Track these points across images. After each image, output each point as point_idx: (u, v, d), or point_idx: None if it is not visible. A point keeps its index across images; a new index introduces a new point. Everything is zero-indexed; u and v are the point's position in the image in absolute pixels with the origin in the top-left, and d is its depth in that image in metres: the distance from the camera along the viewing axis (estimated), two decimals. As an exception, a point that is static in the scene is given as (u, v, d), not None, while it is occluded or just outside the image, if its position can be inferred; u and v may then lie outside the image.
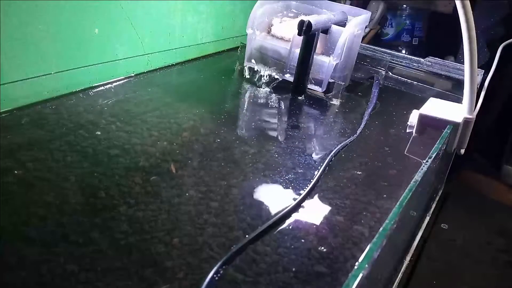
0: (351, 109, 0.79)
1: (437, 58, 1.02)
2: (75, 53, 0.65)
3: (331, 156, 0.57)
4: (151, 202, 0.43)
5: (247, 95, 0.78)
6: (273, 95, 0.78)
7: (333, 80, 0.80)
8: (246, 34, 0.82)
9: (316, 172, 0.53)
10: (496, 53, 0.99)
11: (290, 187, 0.50)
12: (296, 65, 0.77)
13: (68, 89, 0.65)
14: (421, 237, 1.00)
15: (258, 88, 0.80)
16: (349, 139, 0.64)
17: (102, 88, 0.69)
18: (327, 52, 0.78)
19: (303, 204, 0.47)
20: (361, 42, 0.87)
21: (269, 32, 0.83)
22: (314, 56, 0.76)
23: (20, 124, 0.55)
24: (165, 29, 0.81)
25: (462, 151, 0.83)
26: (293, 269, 0.38)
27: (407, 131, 0.70)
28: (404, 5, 1.26)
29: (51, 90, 0.63)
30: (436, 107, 0.72)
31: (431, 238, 1.14)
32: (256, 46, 0.81)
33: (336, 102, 0.80)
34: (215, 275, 0.36)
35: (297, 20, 0.71)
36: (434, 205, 1.08)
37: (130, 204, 0.43)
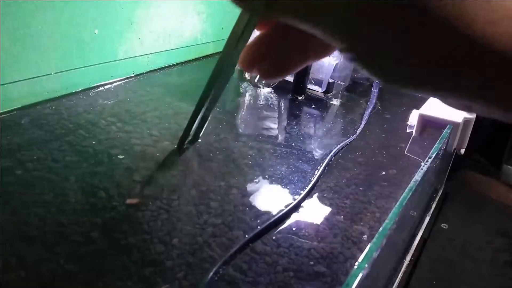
0: (351, 109, 0.79)
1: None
2: (75, 53, 0.65)
3: (331, 156, 0.57)
4: (151, 202, 0.43)
5: (247, 95, 0.78)
6: (273, 95, 0.78)
7: (333, 80, 0.80)
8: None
9: (316, 172, 0.53)
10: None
11: (290, 187, 0.50)
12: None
13: (68, 90, 0.65)
14: (421, 237, 1.00)
15: (258, 88, 0.80)
16: (349, 139, 0.64)
17: (102, 88, 0.70)
18: (327, 52, 0.78)
19: (303, 204, 0.47)
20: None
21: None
22: (314, 56, 0.76)
23: (20, 124, 0.55)
24: (165, 29, 0.81)
25: (462, 151, 0.83)
26: (293, 269, 0.38)
27: (407, 131, 0.70)
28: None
29: (51, 90, 0.63)
30: (436, 107, 0.72)
31: (431, 238, 1.14)
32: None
33: (336, 102, 0.80)
34: (214, 275, 0.36)
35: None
36: (434, 205, 1.08)
37: (130, 204, 0.43)
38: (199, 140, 0.50)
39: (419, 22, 0.15)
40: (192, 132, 0.44)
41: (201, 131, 0.43)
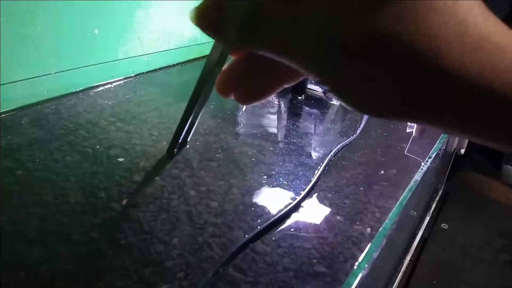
0: (351, 109, 0.79)
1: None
2: (75, 53, 0.65)
3: (331, 155, 0.57)
4: (151, 202, 0.43)
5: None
6: (273, 94, 0.78)
7: (333, 80, 0.80)
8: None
9: (316, 172, 0.53)
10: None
11: (290, 187, 0.50)
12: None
13: (68, 89, 0.65)
14: (421, 237, 1.00)
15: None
16: (349, 138, 0.64)
17: (102, 88, 0.69)
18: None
19: (303, 203, 0.47)
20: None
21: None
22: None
23: (20, 124, 0.55)
24: (165, 29, 0.81)
25: (462, 151, 0.83)
26: (293, 269, 0.38)
27: (407, 130, 0.70)
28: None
29: (51, 90, 0.63)
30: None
31: (431, 238, 1.14)
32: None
33: (336, 102, 0.80)
34: (214, 275, 0.36)
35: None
36: (434, 205, 1.08)
37: (130, 204, 0.43)
38: (187, 146, 0.50)
39: (393, 60, 0.15)
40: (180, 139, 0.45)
41: (188, 137, 0.44)
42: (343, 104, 0.18)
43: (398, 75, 0.15)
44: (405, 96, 0.16)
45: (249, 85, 0.22)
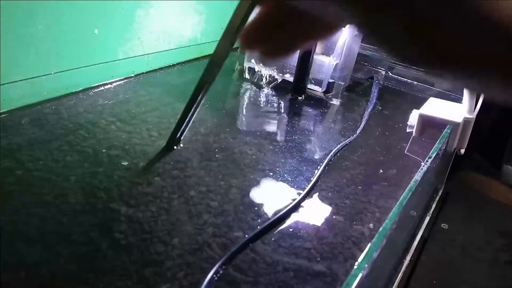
0: (351, 109, 0.79)
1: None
2: (75, 53, 0.65)
3: (331, 155, 0.57)
4: (151, 202, 0.43)
5: (246, 95, 0.78)
6: (273, 95, 0.78)
7: (333, 80, 0.80)
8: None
9: (316, 172, 0.53)
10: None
11: (290, 187, 0.50)
12: (296, 65, 0.77)
13: (68, 89, 0.65)
14: (421, 237, 1.00)
15: (258, 88, 0.80)
16: (349, 138, 0.64)
17: (102, 88, 0.69)
18: (327, 52, 0.78)
19: (303, 203, 0.47)
20: (361, 42, 0.87)
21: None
22: (314, 56, 0.76)
23: (20, 124, 0.55)
24: (165, 29, 0.81)
25: (462, 151, 0.83)
26: (293, 269, 0.38)
27: (407, 131, 0.70)
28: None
29: (51, 90, 0.63)
30: (436, 107, 0.72)
31: (431, 238, 1.14)
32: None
33: (336, 102, 0.80)
34: (214, 275, 0.36)
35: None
36: (434, 205, 1.08)
37: (130, 204, 0.43)
38: (181, 145, 0.51)
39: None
40: (180, 132, 0.45)
41: (184, 132, 0.44)
42: (380, 49, 0.17)
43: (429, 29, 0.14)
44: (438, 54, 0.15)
45: (277, 39, 0.21)
